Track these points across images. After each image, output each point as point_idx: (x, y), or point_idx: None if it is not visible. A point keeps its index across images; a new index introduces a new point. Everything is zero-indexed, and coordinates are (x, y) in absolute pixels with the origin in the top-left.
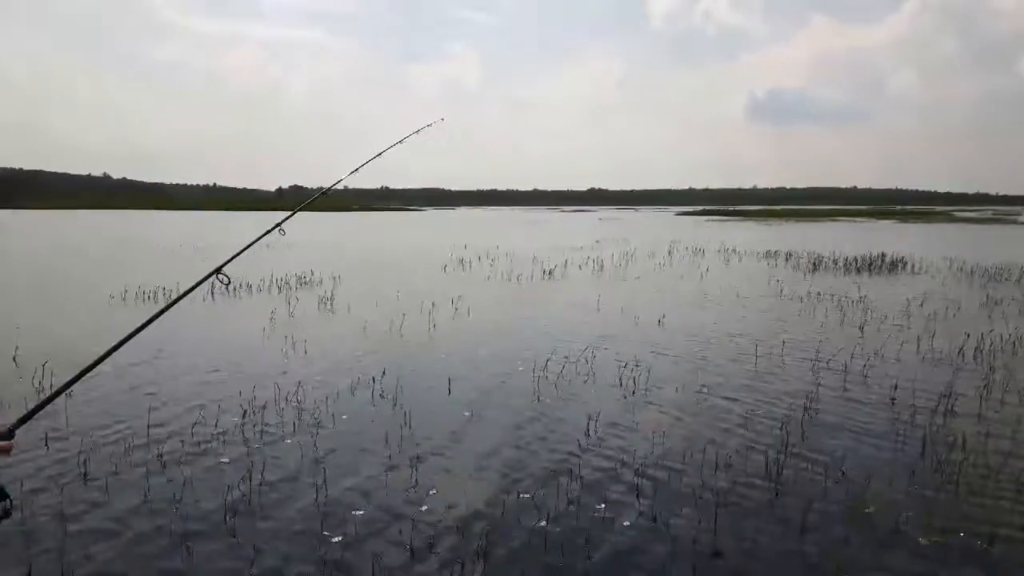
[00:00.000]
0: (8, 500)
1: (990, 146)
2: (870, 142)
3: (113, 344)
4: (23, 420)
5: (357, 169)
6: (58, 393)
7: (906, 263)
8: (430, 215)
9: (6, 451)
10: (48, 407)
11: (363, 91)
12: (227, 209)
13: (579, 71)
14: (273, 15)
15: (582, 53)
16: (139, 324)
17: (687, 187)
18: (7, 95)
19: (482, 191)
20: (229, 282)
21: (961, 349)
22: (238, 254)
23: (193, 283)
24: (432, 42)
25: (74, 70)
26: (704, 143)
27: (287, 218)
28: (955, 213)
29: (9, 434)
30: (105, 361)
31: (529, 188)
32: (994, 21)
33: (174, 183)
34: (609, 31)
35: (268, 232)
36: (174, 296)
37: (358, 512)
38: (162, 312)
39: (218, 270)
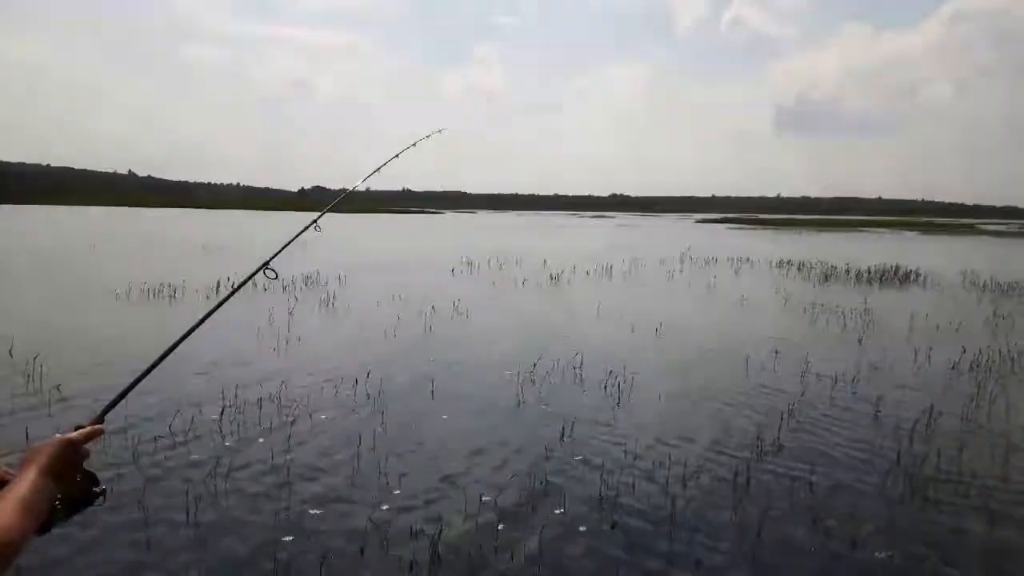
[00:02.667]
0: (101, 485)
1: (1022, 159)
2: (898, 153)
3: (181, 335)
4: (111, 406)
5: (367, 178)
6: (138, 380)
7: (919, 276)
8: (449, 218)
9: (99, 435)
10: None
11: (389, 94)
12: (251, 208)
13: (605, 77)
14: (302, 18)
15: (608, 60)
16: (198, 319)
17: (710, 195)
18: (38, 94)
19: (503, 195)
20: (276, 276)
21: (956, 364)
22: (282, 249)
23: (244, 277)
24: (459, 46)
25: (103, 70)
26: (730, 152)
27: (320, 216)
28: (980, 226)
29: (100, 419)
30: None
31: (551, 194)
32: None
33: (199, 182)
34: (636, 37)
35: (305, 229)
36: (223, 294)
37: (315, 511)
38: (218, 306)
39: (266, 264)
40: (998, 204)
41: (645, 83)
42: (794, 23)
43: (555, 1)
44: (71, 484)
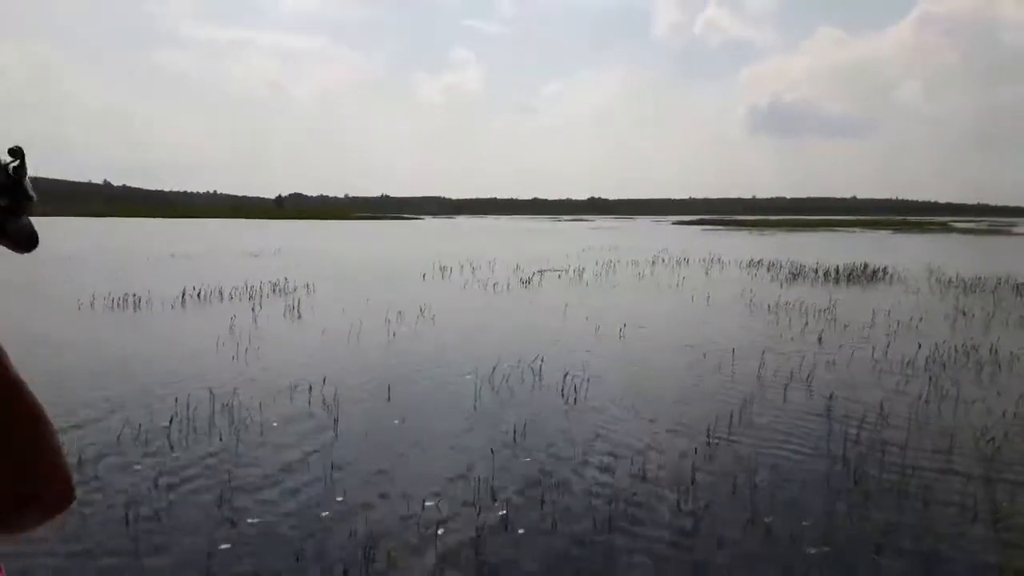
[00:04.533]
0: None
1: (993, 157)
2: (872, 153)
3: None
4: None
5: None
6: None
7: (886, 273)
8: (427, 224)
9: None
10: None
11: (366, 99)
12: (228, 217)
13: (582, 81)
14: (276, 23)
15: (585, 63)
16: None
17: (687, 197)
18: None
19: (482, 199)
20: None
21: (911, 360)
22: None
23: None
24: (436, 51)
25: (77, 77)
26: (705, 154)
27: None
28: (952, 224)
29: None
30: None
31: (529, 198)
32: (1000, 33)
33: (175, 190)
34: (612, 41)
35: None
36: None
37: (252, 520)
38: None
39: None
40: (970, 202)
41: (621, 86)
42: (767, 26)
43: (532, 5)
44: None
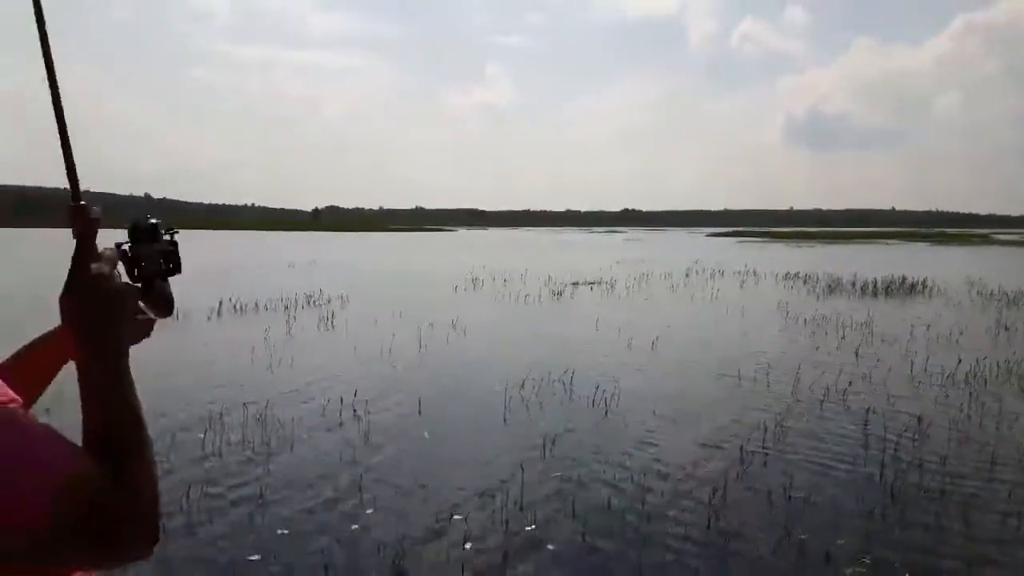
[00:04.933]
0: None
1: None
2: (910, 164)
3: None
4: None
5: None
6: None
7: (925, 286)
8: (460, 235)
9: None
10: None
11: (398, 114)
12: (266, 229)
13: (615, 94)
14: (311, 41)
15: (618, 76)
16: None
17: (722, 209)
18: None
19: (515, 212)
20: None
21: (951, 374)
22: None
23: None
24: (468, 65)
25: (117, 98)
26: (741, 166)
27: None
28: (993, 236)
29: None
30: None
31: (562, 209)
32: None
33: (214, 203)
34: (646, 53)
35: None
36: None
37: (282, 531)
38: None
39: None
40: (1013, 214)
41: (655, 99)
42: (803, 38)
43: (565, 18)
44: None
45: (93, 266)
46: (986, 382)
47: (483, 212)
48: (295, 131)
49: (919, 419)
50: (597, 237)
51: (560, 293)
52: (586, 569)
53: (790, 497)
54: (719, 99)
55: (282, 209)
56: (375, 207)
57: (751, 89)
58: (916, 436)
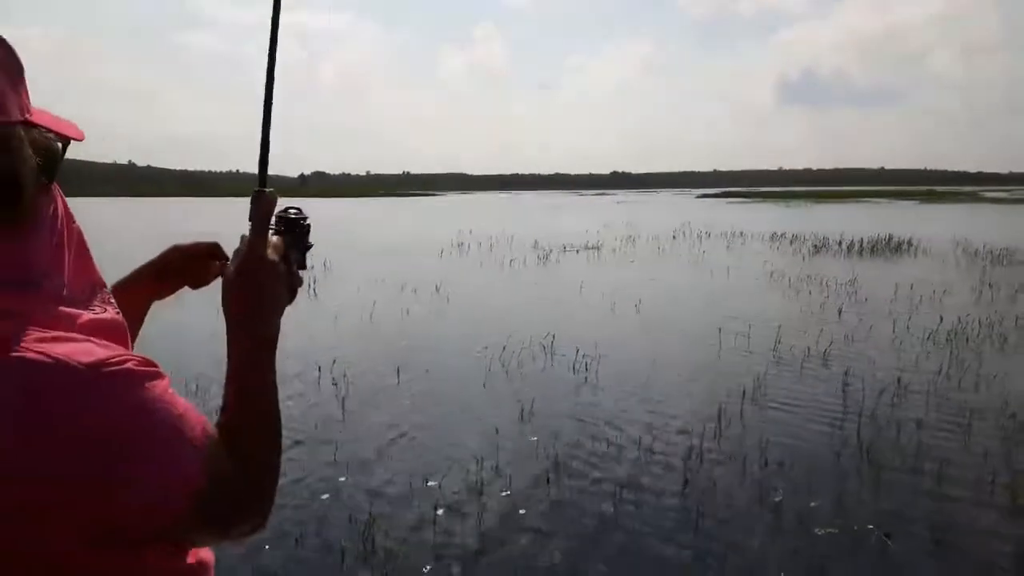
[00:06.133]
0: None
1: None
2: (902, 123)
3: None
4: None
5: None
6: None
7: (911, 245)
8: (448, 200)
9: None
10: None
11: (389, 76)
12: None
13: (605, 53)
14: (301, 2)
15: (609, 35)
16: None
17: (712, 169)
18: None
19: (504, 175)
20: None
21: (933, 334)
22: None
23: None
24: (459, 26)
25: (103, 59)
26: (732, 126)
27: None
28: (983, 193)
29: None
30: None
31: (552, 172)
32: None
33: (199, 170)
34: (637, 12)
35: None
36: None
37: None
38: None
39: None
40: (1002, 171)
41: (646, 58)
42: None
43: None
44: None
45: (268, 252)
46: (967, 340)
47: (472, 176)
48: (283, 98)
49: (898, 379)
50: (586, 200)
51: (546, 257)
52: (560, 533)
53: (766, 460)
54: (712, 58)
55: (268, 176)
56: (362, 172)
57: (745, 48)
58: (895, 397)
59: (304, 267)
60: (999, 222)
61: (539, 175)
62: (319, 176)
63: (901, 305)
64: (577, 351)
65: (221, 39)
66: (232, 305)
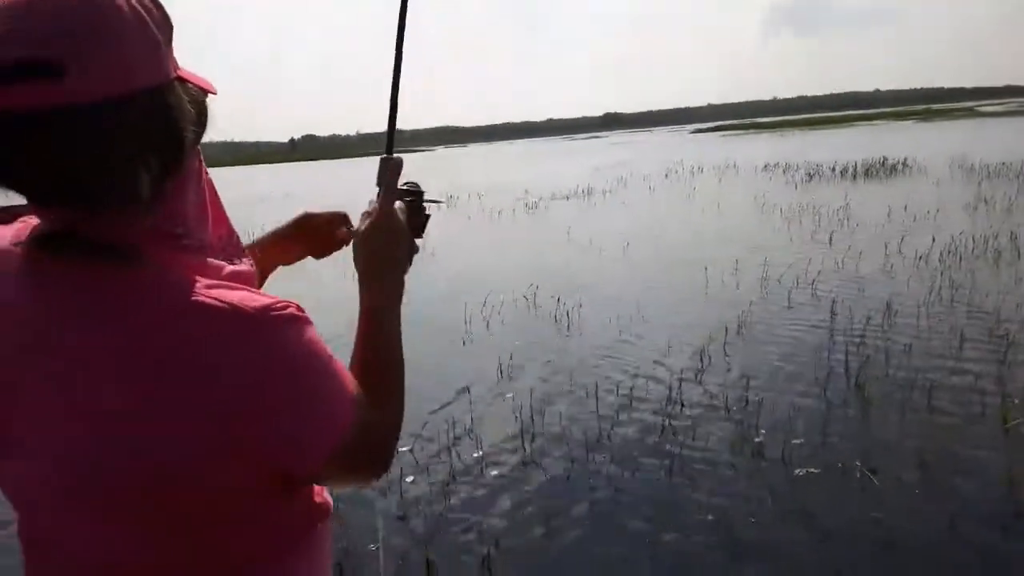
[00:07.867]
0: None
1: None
2: (897, 42)
3: None
4: None
5: None
6: None
7: (905, 165)
8: (438, 154)
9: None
10: None
11: (371, 34)
12: (246, 164)
13: None
14: None
15: None
16: None
17: (705, 104)
18: None
19: (495, 125)
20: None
21: (925, 255)
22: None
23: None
24: None
25: None
26: (723, 57)
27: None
28: (978, 108)
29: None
30: None
31: (543, 119)
32: None
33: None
34: None
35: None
36: None
37: None
38: None
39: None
40: (998, 84)
41: None
42: None
43: None
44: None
45: (398, 216)
46: (960, 258)
47: (463, 128)
48: (268, 63)
49: (888, 304)
50: (579, 144)
51: (534, 206)
52: (534, 491)
53: (748, 398)
54: None
55: (259, 142)
56: (352, 133)
57: None
58: (884, 323)
59: (420, 236)
60: (994, 136)
61: (531, 122)
62: (308, 140)
63: (894, 228)
64: (560, 300)
65: (203, 3)
66: (364, 260)
